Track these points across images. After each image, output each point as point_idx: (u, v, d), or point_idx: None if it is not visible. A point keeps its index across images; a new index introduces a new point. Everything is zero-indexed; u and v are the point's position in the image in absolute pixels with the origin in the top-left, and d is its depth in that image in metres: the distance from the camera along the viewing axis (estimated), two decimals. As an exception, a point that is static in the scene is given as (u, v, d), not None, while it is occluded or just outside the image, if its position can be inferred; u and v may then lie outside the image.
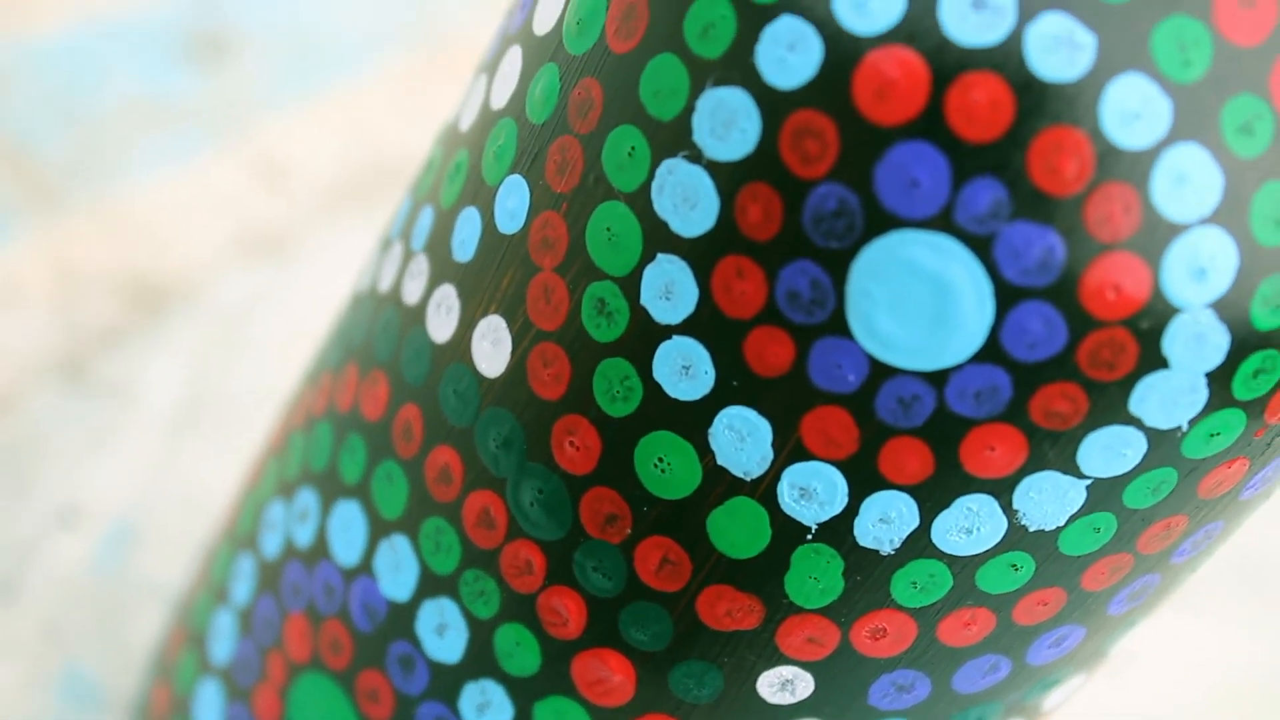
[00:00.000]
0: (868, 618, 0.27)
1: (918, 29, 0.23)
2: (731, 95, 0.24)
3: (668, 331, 0.25)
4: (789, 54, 0.24)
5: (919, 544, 0.26)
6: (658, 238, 0.25)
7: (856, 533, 0.26)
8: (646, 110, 0.25)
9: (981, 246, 0.23)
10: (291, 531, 0.32)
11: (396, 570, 0.30)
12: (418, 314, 0.29)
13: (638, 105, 0.25)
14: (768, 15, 0.24)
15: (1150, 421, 0.25)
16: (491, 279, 0.28)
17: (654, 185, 0.25)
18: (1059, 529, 0.26)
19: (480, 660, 0.29)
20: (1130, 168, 0.23)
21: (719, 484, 0.26)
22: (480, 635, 0.29)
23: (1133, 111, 0.23)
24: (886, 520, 0.26)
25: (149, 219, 0.54)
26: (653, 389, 0.26)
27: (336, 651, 0.31)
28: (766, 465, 0.26)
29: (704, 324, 0.25)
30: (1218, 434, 0.25)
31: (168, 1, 0.60)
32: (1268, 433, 0.26)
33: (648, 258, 0.25)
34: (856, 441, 0.25)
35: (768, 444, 0.25)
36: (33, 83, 0.57)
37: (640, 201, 0.25)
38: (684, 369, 0.26)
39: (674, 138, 0.25)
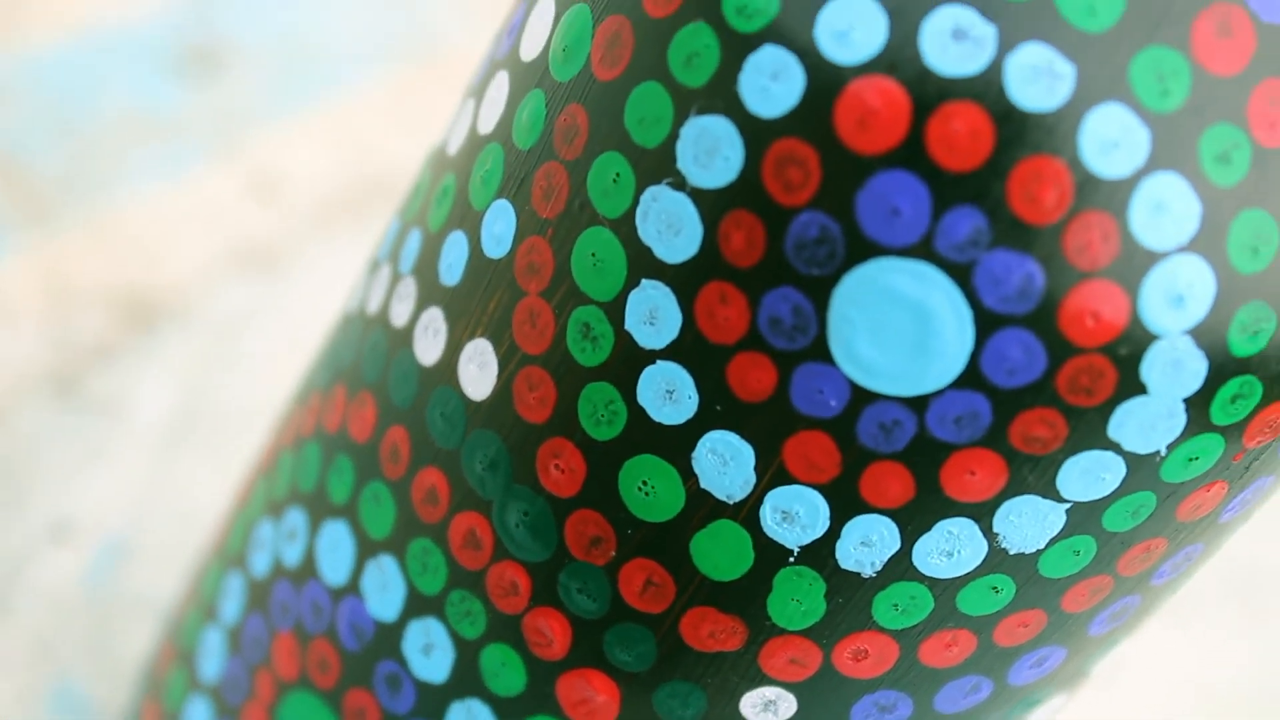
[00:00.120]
0: (850, 639, 0.27)
1: (899, 59, 0.23)
2: (715, 123, 0.24)
3: (652, 356, 0.26)
4: (772, 83, 0.24)
5: (900, 567, 0.26)
6: (642, 264, 0.25)
7: (838, 555, 0.26)
8: (631, 137, 0.25)
9: (962, 274, 0.24)
10: (280, 551, 0.32)
11: (384, 590, 0.30)
12: (405, 336, 0.29)
13: (622, 132, 0.25)
14: (751, 45, 0.24)
15: (1129, 446, 0.25)
16: (478, 303, 0.28)
17: (638, 211, 0.25)
18: (1039, 552, 0.26)
19: (466, 680, 0.29)
20: (1109, 196, 0.23)
21: (702, 507, 0.26)
22: (466, 655, 0.29)
23: (1111, 141, 0.23)
24: (868, 543, 0.26)
25: (142, 233, 0.54)
26: (637, 413, 0.26)
27: (324, 670, 0.31)
28: (749, 489, 0.26)
29: (687, 349, 0.25)
30: (1196, 458, 0.26)
31: (161, 15, 0.60)
32: (1246, 457, 0.26)
33: (632, 283, 0.26)
34: (838, 466, 0.25)
35: (750, 468, 0.26)
36: (26, 96, 0.57)
37: (625, 228, 0.25)
38: (668, 393, 0.26)
39: (658, 165, 0.25)
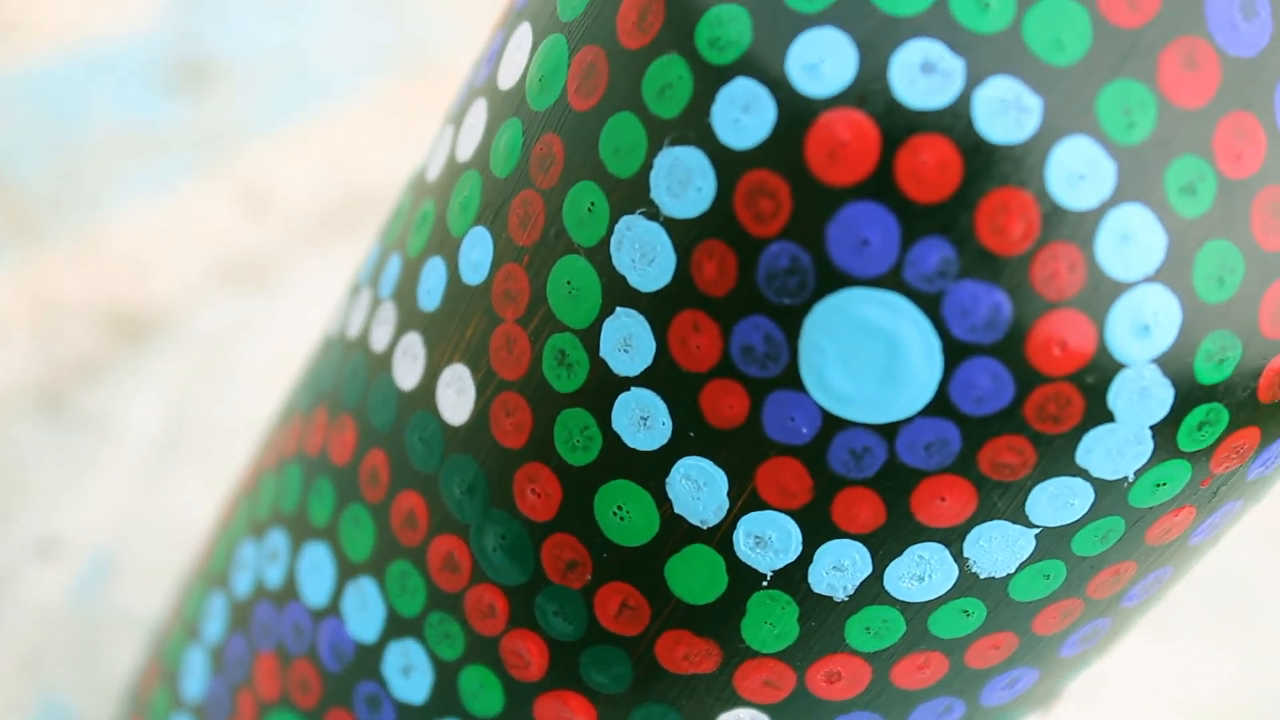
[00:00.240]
0: (823, 661, 0.27)
1: (868, 92, 0.24)
2: (688, 154, 0.25)
3: (626, 383, 0.26)
4: (743, 115, 0.24)
5: (872, 591, 0.27)
6: (616, 292, 0.26)
7: (811, 580, 0.26)
8: (606, 167, 0.26)
9: (930, 304, 0.24)
10: (262, 571, 0.33)
11: (363, 611, 0.30)
12: (384, 361, 0.30)
13: (597, 162, 0.26)
14: (723, 77, 0.24)
15: (1097, 472, 0.25)
16: (456, 328, 0.28)
17: (613, 240, 0.26)
18: (1009, 576, 0.27)
19: (445, 701, 0.30)
20: (1075, 228, 0.24)
21: (676, 532, 0.27)
22: (445, 676, 0.29)
23: (1078, 173, 0.24)
24: (840, 568, 0.26)
25: (130, 248, 0.55)
26: (612, 439, 0.26)
27: (305, 691, 0.32)
28: (723, 514, 0.26)
29: (661, 376, 0.26)
30: (1164, 484, 0.26)
31: (150, 31, 0.60)
32: (1213, 482, 0.26)
33: (607, 311, 0.26)
34: (810, 491, 0.26)
35: (724, 493, 0.26)
36: (15, 112, 0.57)
37: (600, 256, 0.26)
38: (642, 420, 0.26)
39: (632, 195, 0.25)
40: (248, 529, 0.34)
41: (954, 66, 0.24)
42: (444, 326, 0.28)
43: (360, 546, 0.30)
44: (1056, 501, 0.26)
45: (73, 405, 0.50)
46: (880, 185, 0.24)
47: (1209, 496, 0.27)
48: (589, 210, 0.26)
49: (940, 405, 0.25)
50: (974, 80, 0.24)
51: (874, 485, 0.25)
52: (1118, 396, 0.25)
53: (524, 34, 0.28)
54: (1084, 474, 0.25)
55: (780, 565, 0.26)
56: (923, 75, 0.24)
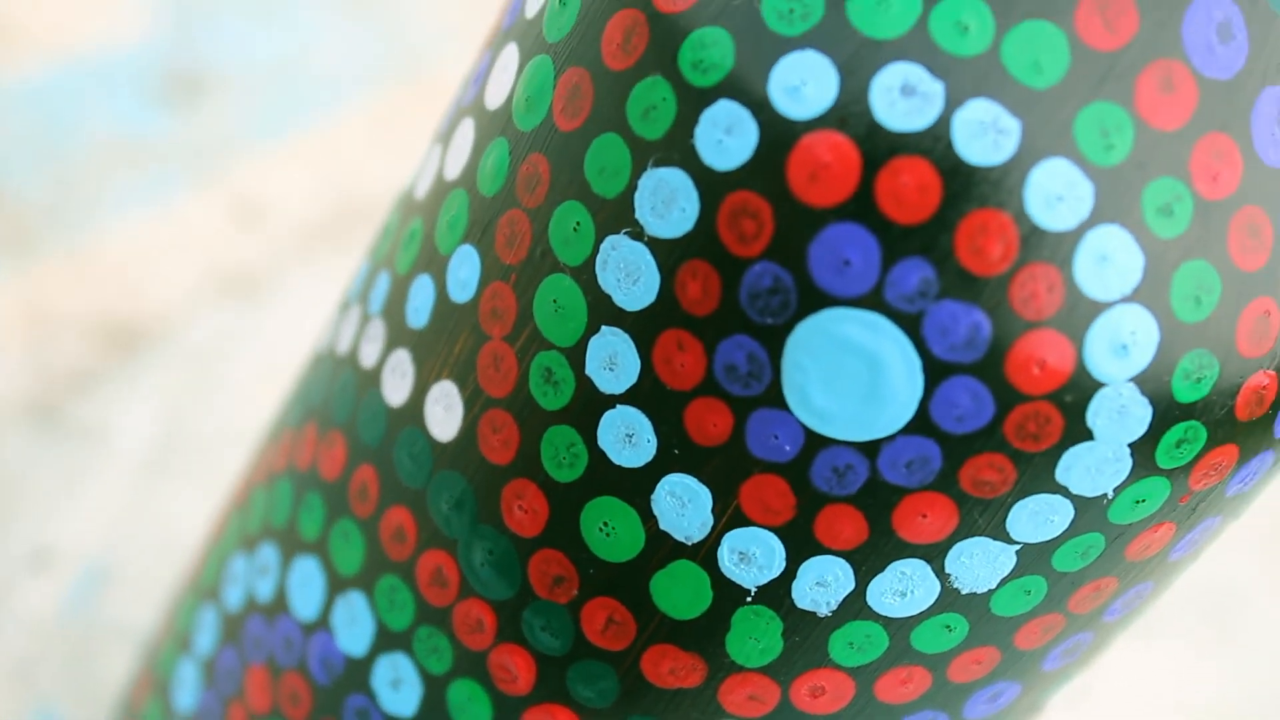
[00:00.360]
0: (807, 676, 0.28)
1: (849, 114, 0.24)
2: (671, 175, 0.25)
3: (611, 401, 0.26)
4: (726, 137, 0.24)
5: (855, 606, 0.27)
6: (602, 311, 0.26)
7: (794, 595, 0.27)
8: (591, 187, 0.26)
9: (911, 324, 0.24)
10: (253, 585, 0.33)
11: (353, 625, 0.31)
12: (374, 377, 0.30)
13: (583, 182, 0.26)
14: (706, 99, 0.25)
15: (1076, 490, 0.26)
16: (444, 346, 0.28)
17: (598, 260, 0.26)
18: (991, 591, 0.27)
19: (434, 714, 0.30)
20: (1054, 248, 0.24)
21: (661, 548, 0.27)
22: (434, 690, 0.30)
23: (1056, 194, 0.24)
24: (823, 583, 0.27)
25: (123, 259, 0.55)
26: (597, 456, 0.27)
27: (295, 703, 0.32)
28: (707, 530, 0.26)
29: (646, 394, 0.26)
30: (1143, 501, 0.26)
31: (143, 42, 0.61)
32: (1192, 499, 0.27)
33: (592, 329, 0.26)
34: (793, 509, 0.26)
35: (708, 510, 0.26)
36: (8, 123, 0.57)
37: (585, 275, 0.26)
38: (627, 437, 0.26)
39: (617, 215, 0.26)
40: (239, 542, 0.34)
41: (934, 89, 0.24)
42: (432, 344, 0.29)
43: (350, 561, 0.30)
44: (1037, 518, 0.26)
45: (66, 416, 0.51)
46: (861, 206, 0.24)
47: (1188, 513, 0.27)
48: (575, 230, 0.26)
49: (921, 424, 0.25)
50: (953, 103, 0.24)
51: (856, 502, 0.26)
52: (1096, 415, 0.25)
53: (510, 54, 0.28)
54: (1064, 491, 0.26)
55: (764, 581, 0.27)
56: (903, 98, 0.24)
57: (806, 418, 0.25)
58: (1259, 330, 0.25)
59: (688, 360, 0.25)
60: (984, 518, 0.26)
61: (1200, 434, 0.26)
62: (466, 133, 0.29)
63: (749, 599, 0.27)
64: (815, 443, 0.25)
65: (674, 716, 0.28)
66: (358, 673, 0.31)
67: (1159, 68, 0.24)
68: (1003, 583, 0.27)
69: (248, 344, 0.54)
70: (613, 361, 0.26)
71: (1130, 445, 0.25)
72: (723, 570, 0.27)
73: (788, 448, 0.25)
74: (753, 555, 0.26)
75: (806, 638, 0.27)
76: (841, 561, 0.26)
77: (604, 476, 0.27)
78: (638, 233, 0.25)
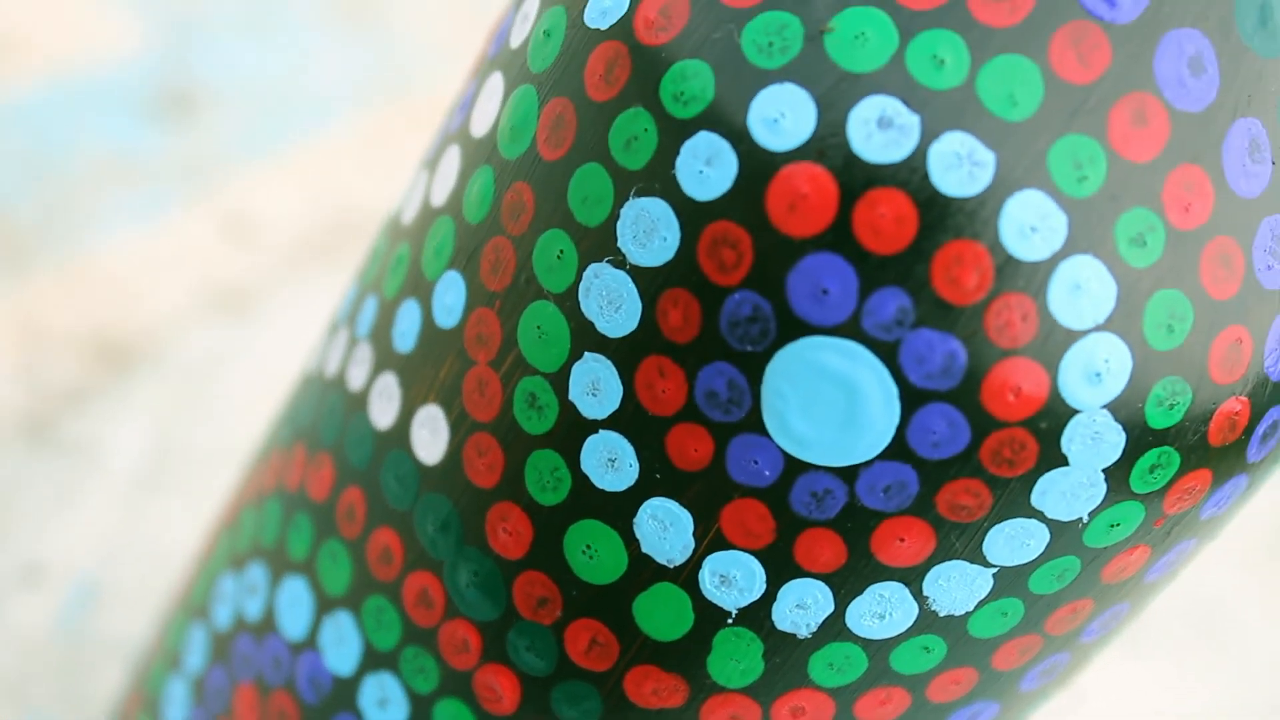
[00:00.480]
0: (787, 697, 0.28)
1: (827, 146, 0.24)
2: (653, 205, 0.25)
3: (594, 426, 0.27)
4: (707, 168, 0.25)
5: (834, 628, 0.27)
6: (585, 337, 0.26)
7: (775, 617, 0.27)
8: (574, 216, 0.26)
9: (887, 352, 0.25)
10: (241, 604, 0.33)
11: (340, 645, 0.31)
12: (361, 400, 0.30)
13: (566, 211, 0.26)
14: (687, 130, 0.25)
15: (1052, 514, 0.26)
16: (430, 370, 0.29)
17: (581, 287, 0.26)
18: (968, 614, 0.27)
19: (420, 733, 0.30)
20: (1028, 278, 0.24)
21: (644, 570, 0.27)
22: (420, 709, 0.30)
23: (1030, 225, 0.24)
24: (803, 606, 0.27)
25: (116, 276, 0.55)
26: (581, 480, 0.27)
27: (283, 722, 0.32)
28: (688, 553, 0.27)
29: (628, 420, 0.26)
30: (1118, 524, 0.27)
31: (135, 60, 0.61)
32: (1167, 522, 0.27)
33: (576, 356, 0.27)
34: (773, 532, 0.26)
35: (689, 533, 0.27)
36: (1, 140, 0.58)
37: (569, 302, 0.26)
38: (610, 461, 0.27)
39: (600, 243, 0.26)
40: (228, 562, 0.34)
41: (910, 122, 0.24)
42: (418, 368, 0.29)
43: (337, 581, 0.31)
44: (1013, 542, 0.26)
45: (58, 432, 0.51)
46: (839, 237, 0.24)
47: (1162, 536, 0.27)
48: (558, 257, 0.27)
49: (898, 449, 0.25)
50: (929, 135, 0.24)
51: (835, 526, 0.26)
52: (1071, 441, 0.25)
53: (496, 83, 0.28)
54: (1039, 515, 0.26)
55: (745, 603, 0.27)
56: (879, 130, 0.24)
57: (786, 443, 0.25)
58: (1231, 358, 0.26)
59: (669, 386, 0.26)
60: (961, 541, 0.26)
61: (1174, 459, 0.26)
62: (452, 160, 0.29)
63: (730, 621, 0.27)
64: (794, 468, 0.26)
65: (657, 736, 0.29)
66: (345, 692, 0.31)
67: (1131, 101, 0.25)
68: (980, 605, 0.27)
69: (239, 360, 0.55)
70: (595, 387, 0.26)
71: (1104, 470, 0.26)
72: (704, 593, 0.27)
73: (767, 473, 0.26)
74: (733, 578, 0.27)
75: (787, 659, 0.28)
76: (821, 584, 0.27)
77: (587, 500, 0.27)
78: (620, 261, 0.26)
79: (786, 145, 0.25)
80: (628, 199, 0.26)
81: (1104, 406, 0.25)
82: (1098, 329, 0.25)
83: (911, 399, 0.25)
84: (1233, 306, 0.25)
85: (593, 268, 0.26)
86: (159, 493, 0.50)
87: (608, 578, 0.28)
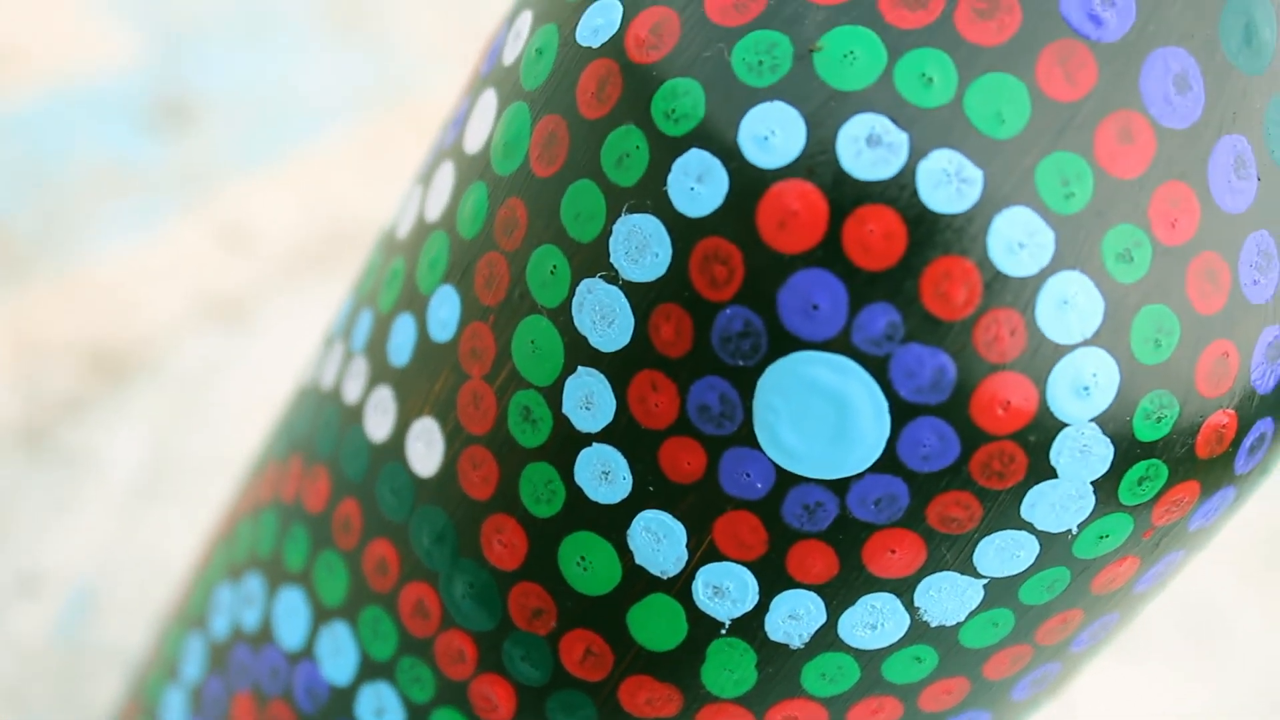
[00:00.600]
0: (780, 706, 0.28)
1: (816, 163, 0.25)
2: (645, 222, 0.26)
3: (588, 439, 0.27)
4: (698, 185, 0.25)
5: (827, 638, 0.27)
6: (578, 351, 0.27)
7: (767, 628, 0.27)
8: (567, 232, 0.27)
9: (877, 367, 0.25)
10: (238, 615, 0.34)
11: (337, 655, 0.31)
12: (356, 413, 0.31)
13: (559, 227, 0.27)
14: (678, 148, 0.25)
15: (1041, 526, 0.26)
16: (425, 384, 0.29)
17: (574, 302, 0.27)
18: (959, 624, 0.28)
19: (416, 743, 0.31)
20: (1016, 293, 0.25)
21: (638, 582, 0.28)
22: (417, 718, 0.30)
23: (1018, 241, 0.25)
24: (795, 617, 0.27)
25: (112, 286, 0.56)
26: (574, 492, 0.27)
27: (280, 732, 0.32)
28: (682, 565, 0.27)
29: (621, 433, 0.27)
30: (1107, 536, 0.27)
31: (131, 69, 0.61)
32: (1155, 534, 0.27)
33: (569, 370, 0.27)
34: (765, 544, 0.27)
35: (682, 545, 0.27)
36: (-1, 151, 0.58)
37: (562, 317, 0.27)
38: (603, 474, 0.27)
39: (593, 259, 0.26)
40: (225, 572, 0.35)
41: (898, 139, 0.25)
42: (413, 381, 0.29)
43: (334, 592, 0.31)
44: (1003, 553, 0.27)
45: (55, 442, 0.51)
46: (829, 253, 0.25)
47: (1151, 547, 0.28)
48: (551, 273, 0.27)
49: (889, 462, 0.26)
50: (918, 153, 0.25)
51: (826, 538, 0.26)
52: (1060, 454, 0.26)
53: (489, 100, 0.29)
54: (1029, 527, 0.26)
55: (738, 614, 0.27)
56: (868, 148, 0.25)
57: (777, 456, 0.26)
58: (1218, 371, 0.26)
59: (662, 400, 0.26)
60: (951, 553, 0.27)
61: (1162, 471, 0.26)
62: (446, 175, 0.30)
63: (723, 631, 0.28)
64: (786, 480, 0.26)
65: (651, 746, 0.29)
66: (342, 701, 0.31)
67: (1118, 118, 0.25)
68: (971, 615, 0.27)
69: (236, 369, 0.55)
70: (589, 401, 0.27)
71: (1093, 483, 0.26)
72: (697, 603, 0.27)
73: (759, 485, 0.26)
74: (726, 589, 0.27)
75: (780, 669, 0.28)
76: (813, 595, 0.27)
77: (581, 512, 0.27)
78: (612, 276, 0.26)
79: (777, 163, 0.25)
80: (620, 215, 0.26)
81: (1092, 420, 0.25)
82: (1085, 343, 0.25)
83: (901, 413, 0.25)
84: (1219, 321, 0.26)
85: (585, 283, 0.26)
86: (156, 501, 0.51)
87: (602, 589, 0.28)
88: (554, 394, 0.27)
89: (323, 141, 0.62)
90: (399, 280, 0.30)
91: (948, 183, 0.24)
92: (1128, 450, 0.26)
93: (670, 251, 0.25)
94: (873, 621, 0.27)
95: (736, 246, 0.25)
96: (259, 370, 0.55)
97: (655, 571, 0.27)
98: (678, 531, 0.27)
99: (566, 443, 0.27)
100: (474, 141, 0.29)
